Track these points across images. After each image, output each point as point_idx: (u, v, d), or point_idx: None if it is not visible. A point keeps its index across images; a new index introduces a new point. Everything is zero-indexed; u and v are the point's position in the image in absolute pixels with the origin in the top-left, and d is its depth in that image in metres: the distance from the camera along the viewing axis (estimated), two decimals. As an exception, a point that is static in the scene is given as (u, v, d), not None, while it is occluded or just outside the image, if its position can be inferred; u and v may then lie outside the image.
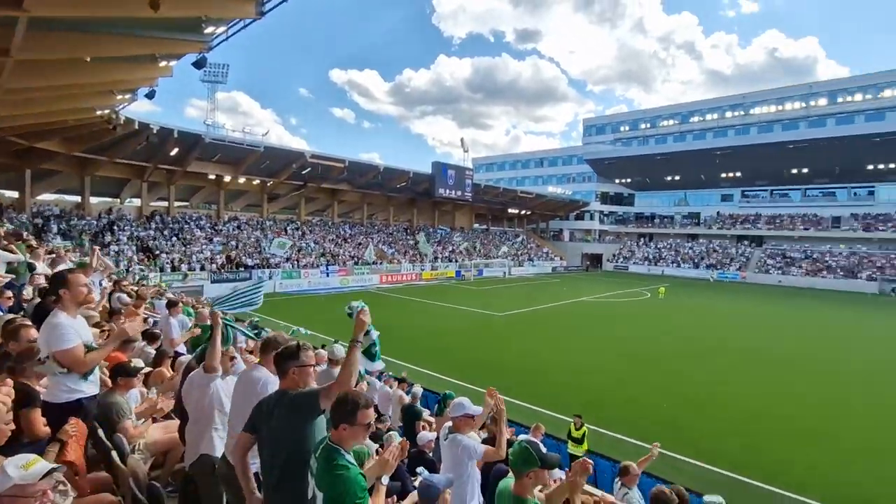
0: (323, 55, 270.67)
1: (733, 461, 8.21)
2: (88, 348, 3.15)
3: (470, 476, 3.77)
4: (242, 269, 28.97)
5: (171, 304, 6.81)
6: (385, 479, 2.32)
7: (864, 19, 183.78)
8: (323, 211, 44.44)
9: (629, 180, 66.32)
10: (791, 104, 56.16)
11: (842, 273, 44.91)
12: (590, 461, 2.65)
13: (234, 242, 32.02)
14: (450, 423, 4.16)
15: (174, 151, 28.01)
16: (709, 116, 62.49)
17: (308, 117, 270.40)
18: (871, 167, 48.09)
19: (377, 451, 3.52)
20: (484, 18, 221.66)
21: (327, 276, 32.78)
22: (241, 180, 34.26)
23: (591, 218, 68.57)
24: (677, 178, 60.99)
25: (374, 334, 2.86)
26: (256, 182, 36.10)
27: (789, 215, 54.32)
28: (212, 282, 26.78)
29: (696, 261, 54.28)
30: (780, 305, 30.17)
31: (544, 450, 2.55)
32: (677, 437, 9.10)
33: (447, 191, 44.12)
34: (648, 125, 68.43)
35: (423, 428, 6.06)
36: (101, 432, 3.35)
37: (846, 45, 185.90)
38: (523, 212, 63.11)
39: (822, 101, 54.45)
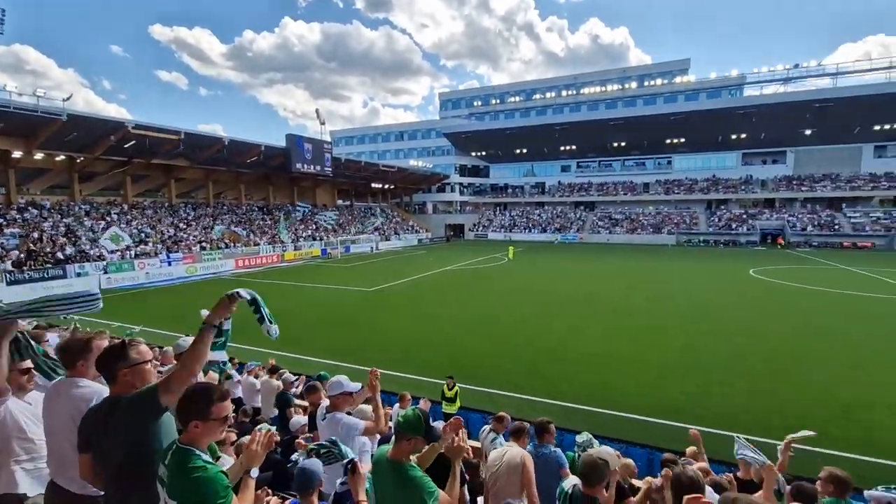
0: (138, 6, 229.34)
1: (584, 396, 9.51)
2: None
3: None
4: (51, 264, 23.74)
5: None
6: (254, 472, 2.13)
7: (661, 14, 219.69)
8: (157, 191, 38.49)
9: (484, 153, 70.43)
10: (611, 86, 65.12)
11: (651, 230, 54.53)
12: (460, 418, 2.90)
13: (36, 233, 25.97)
14: (327, 402, 4.01)
15: (-75, 118, 21.36)
16: (548, 95, 69.24)
17: (126, 81, 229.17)
18: (668, 141, 58.59)
19: None
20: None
21: (169, 265, 28.72)
22: (39, 156, 27.71)
23: (452, 190, 71.59)
24: (525, 150, 66.66)
25: (226, 326, 2.55)
26: (61, 158, 29.56)
27: (613, 183, 63.68)
28: (8, 283, 21.44)
29: (543, 226, 60.60)
30: (608, 260, 35.52)
31: (433, 424, 2.67)
32: (539, 384, 10.21)
33: (305, 165, 41.64)
34: (498, 101, 73.17)
35: (296, 413, 5.75)
36: None
37: (649, 34, 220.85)
38: (387, 186, 62.95)
39: (633, 85, 64.22)
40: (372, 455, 3.47)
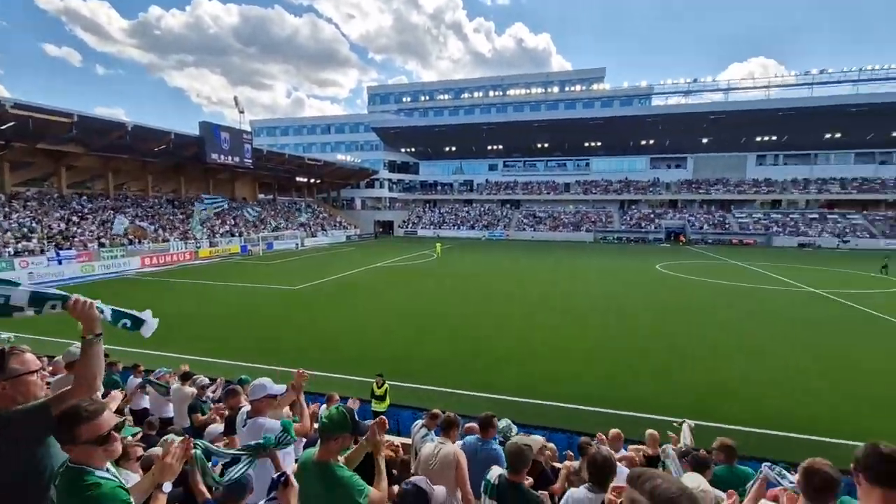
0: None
1: (509, 387, 9.85)
2: None
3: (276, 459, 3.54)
4: None
5: None
6: (167, 487, 1.97)
7: (580, 24, 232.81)
8: (44, 180, 34.00)
9: (413, 149, 70.32)
10: (535, 89, 67.87)
11: (571, 227, 57.73)
12: (385, 418, 2.90)
13: None
14: (248, 407, 3.80)
15: None
16: (476, 94, 70.64)
17: (3, 53, 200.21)
18: (587, 144, 62.29)
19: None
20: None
21: (59, 263, 25.53)
22: None
23: (381, 186, 70.74)
24: (454, 148, 67.49)
25: (107, 311, 2.29)
26: (-86, 138, 25.11)
27: (537, 182, 66.52)
28: None
29: (472, 223, 61.87)
30: (532, 256, 37.10)
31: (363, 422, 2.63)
32: (467, 378, 10.41)
33: (222, 156, 38.87)
34: (427, 98, 73.39)
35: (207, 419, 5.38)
36: None
37: (569, 42, 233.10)
38: (313, 180, 60.69)
39: (556, 89, 67.40)
40: (297, 459, 3.35)
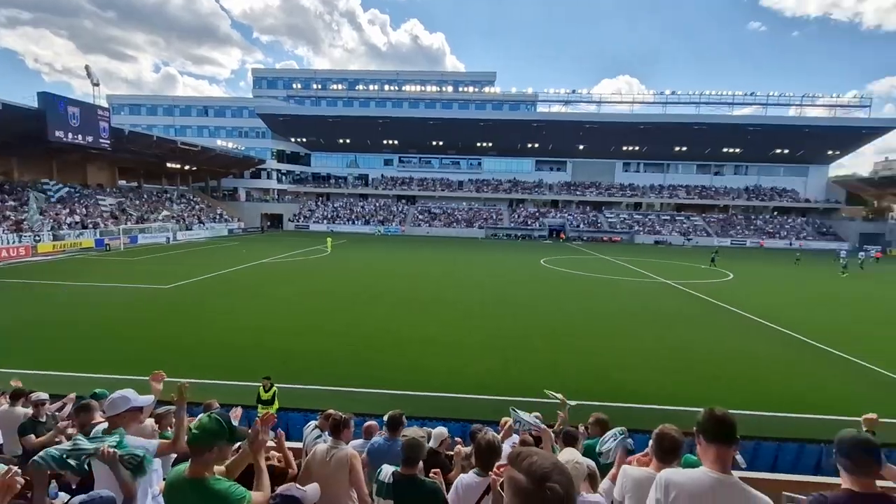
0: None
1: (402, 382, 9.87)
2: None
3: (141, 484, 3.10)
4: None
5: None
6: None
7: (472, 26, 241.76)
8: None
9: (304, 140, 67.04)
10: (430, 87, 68.90)
11: (465, 224, 59.83)
12: (273, 413, 2.81)
13: None
14: (104, 425, 3.29)
15: None
16: (371, 87, 69.63)
17: None
18: (479, 144, 64.97)
19: None
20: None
21: None
22: None
23: (269, 177, 66.38)
24: (348, 141, 65.75)
25: None
26: None
27: (432, 179, 67.70)
28: None
29: (367, 218, 60.90)
30: (425, 252, 37.74)
31: (235, 423, 2.37)
32: (363, 373, 10.20)
33: (70, 135, 33.12)
34: (320, 86, 70.48)
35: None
36: None
37: (462, 43, 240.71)
38: (188, 167, 54.61)
39: (450, 89, 69.18)
40: (165, 478, 2.98)
